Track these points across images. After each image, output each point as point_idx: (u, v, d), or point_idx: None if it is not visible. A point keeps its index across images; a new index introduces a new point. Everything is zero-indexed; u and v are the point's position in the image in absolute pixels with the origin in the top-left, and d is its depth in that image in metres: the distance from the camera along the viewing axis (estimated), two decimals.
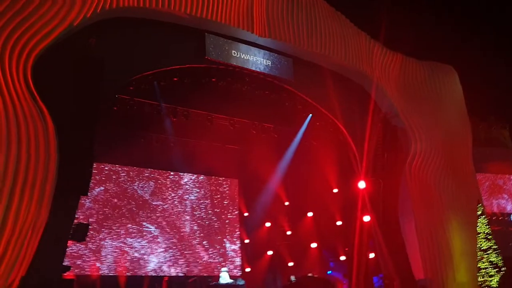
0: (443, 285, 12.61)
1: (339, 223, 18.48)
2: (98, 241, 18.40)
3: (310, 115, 17.24)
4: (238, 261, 21.71)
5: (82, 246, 17.55)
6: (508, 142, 20.20)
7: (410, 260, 14.62)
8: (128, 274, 18.53)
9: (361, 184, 16.53)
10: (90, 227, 13.73)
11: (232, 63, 14.72)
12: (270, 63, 15.42)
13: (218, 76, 15.14)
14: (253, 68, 15.11)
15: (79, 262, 17.76)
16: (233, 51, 14.64)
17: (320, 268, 18.55)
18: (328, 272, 18.40)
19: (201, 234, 21.05)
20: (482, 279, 13.00)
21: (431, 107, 14.58)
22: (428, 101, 14.68)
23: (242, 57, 14.92)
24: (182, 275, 19.14)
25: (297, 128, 18.03)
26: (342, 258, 18.07)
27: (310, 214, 20.11)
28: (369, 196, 16.38)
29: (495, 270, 13.14)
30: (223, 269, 17.58)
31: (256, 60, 15.23)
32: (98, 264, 18.09)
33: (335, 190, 18.75)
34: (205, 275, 19.78)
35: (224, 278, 16.37)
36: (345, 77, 15.95)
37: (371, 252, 16.39)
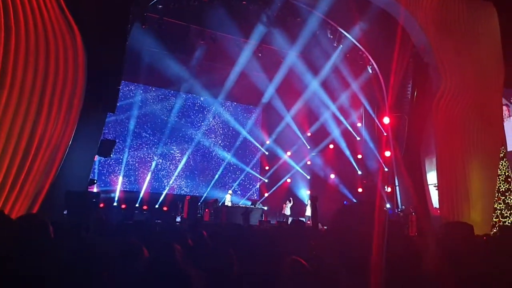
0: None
1: (359, 156, 18.62)
2: (123, 158, 19.02)
3: (341, 46, 16.85)
4: (257, 187, 22.31)
5: (108, 161, 18.18)
6: None
7: (428, 196, 14.82)
8: (151, 191, 19.24)
9: (386, 120, 16.45)
10: (116, 143, 14.15)
11: None
12: None
13: None
14: None
15: (104, 177, 18.50)
16: None
17: (337, 197, 18.90)
18: (344, 202, 18.77)
19: (224, 159, 21.50)
20: (496, 219, 13.13)
21: (466, 44, 13.97)
22: (464, 38, 14.04)
23: None
24: (203, 195, 19.85)
25: (326, 58, 17.67)
26: (359, 190, 18.37)
27: (331, 146, 20.23)
28: (393, 132, 16.34)
29: (509, 211, 13.22)
30: (229, 191, 18.60)
31: None
32: (122, 180, 18.81)
33: (359, 125, 18.71)
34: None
35: (228, 200, 17.49)
36: (380, 8, 15.28)
37: (388, 186, 16.63)
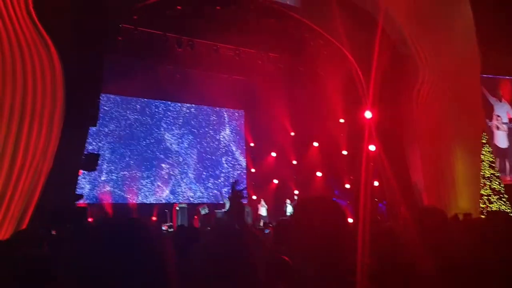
0: (446, 211, 12.90)
1: (344, 152, 18.69)
2: (108, 171, 18.83)
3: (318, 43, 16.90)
4: (244, 190, 22.28)
5: (94, 175, 17.96)
6: None
7: (414, 188, 14.95)
8: (139, 201, 19.09)
9: (368, 114, 16.53)
10: (100, 157, 14.02)
11: None
12: None
13: (222, 3, 14.76)
14: None
15: (91, 191, 18.27)
16: None
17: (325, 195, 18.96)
18: (333, 199, 18.81)
19: (209, 164, 21.45)
20: (483, 205, 13.29)
21: (440, 32, 14.07)
22: (438, 26, 14.15)
23: None
24: (191, 202, 19.74)
25: (303, 57, 17.72)
26: (347, 186, 18.44)
27: (315, 144, 20.30)
28: (375, 126, 16.43)
29: (496, 197, 13.39)
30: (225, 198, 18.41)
31: None
32: (109, 193, 18.60)
33: (342, 120, 18.78)
34: (213, 203, 20.34)
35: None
36: (353, 3, 15.40)
37: (376, 180, 16.71)
